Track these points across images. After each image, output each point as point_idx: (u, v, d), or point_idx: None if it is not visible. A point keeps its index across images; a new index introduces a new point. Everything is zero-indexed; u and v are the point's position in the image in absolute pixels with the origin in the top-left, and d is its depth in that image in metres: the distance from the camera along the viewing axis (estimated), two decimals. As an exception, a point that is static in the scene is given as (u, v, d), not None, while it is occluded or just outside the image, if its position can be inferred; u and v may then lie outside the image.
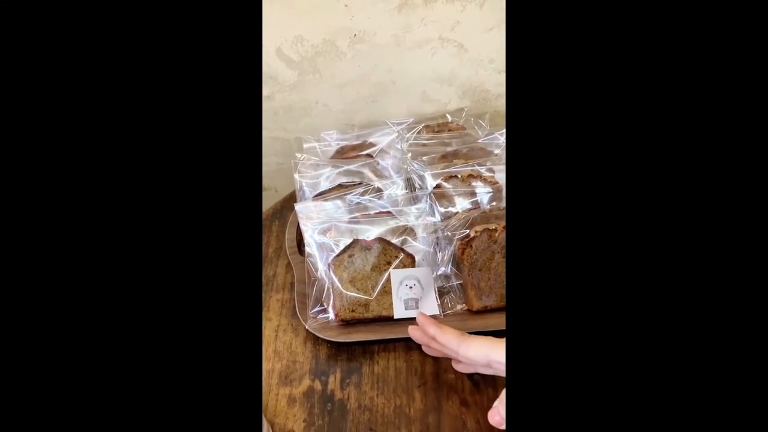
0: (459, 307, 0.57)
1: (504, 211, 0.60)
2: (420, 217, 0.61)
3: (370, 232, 0.59)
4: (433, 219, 0.62)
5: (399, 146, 0.75)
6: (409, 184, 0.69)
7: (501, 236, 0.57)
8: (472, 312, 0.56)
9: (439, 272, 0.58)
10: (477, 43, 0.75)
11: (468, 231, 0.58)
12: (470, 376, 0.52)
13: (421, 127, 0.78)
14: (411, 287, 0.55)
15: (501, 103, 0.84)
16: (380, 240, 0.57)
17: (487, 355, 0.44)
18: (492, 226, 0.57)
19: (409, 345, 0.55)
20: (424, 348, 0.52)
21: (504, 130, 0.76)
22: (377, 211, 0.60)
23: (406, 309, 0.54)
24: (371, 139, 0.77)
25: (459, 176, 0.66)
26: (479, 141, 0.75)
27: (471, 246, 0.57)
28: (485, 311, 0.56)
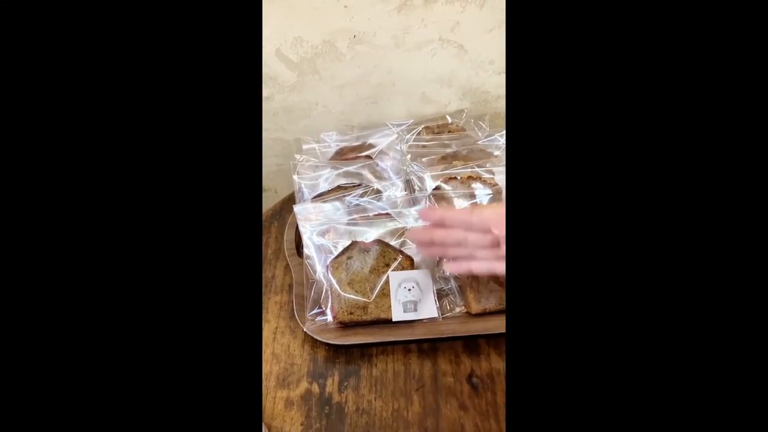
0: (458, 309, 0.56)
1: (503, 214, 0.60)
2: (419, 219, 0.61)
3: (369, 234, 0.59)
4: (432, 221, 0.62)
5: (398, 147, 0.75)
6: (409, 186, 0.68)
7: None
8: (471, 315, 0.56)
9: (439, 274, 0.58)
10: (477, 44, 0.75)
11: (467, 233, 0.57)
12: (469, 379, 0.51)
13: (420, 129, 0.77)
14: (410, 289, 0.55)
15: (501, 105, 0.83)
16: (379, 242, 0.57)
17: (502, 212, 0.43)
18: (491, 229, 0.57)
19: (408, 348, 0.55)
20: (422, 250, 0.50)
21: (504, 132, 0.76)
22: (376, 212, 0.60)
23: (404, 312, 0.54)
24: (371, 141, 0.76)
25: (458, 178, 0.66)
26: (479, 142, 0.75)
27: (470, 248, 0.56)
28: (484, 314, 0.56)
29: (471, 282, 0.56)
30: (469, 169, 0.67)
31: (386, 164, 0.71)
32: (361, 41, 0.73)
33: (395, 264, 0.56)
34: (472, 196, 0.65)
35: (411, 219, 0.61)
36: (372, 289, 0.55)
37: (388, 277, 0.55)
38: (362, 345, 0.54)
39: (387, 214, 0.60)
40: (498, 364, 0.52)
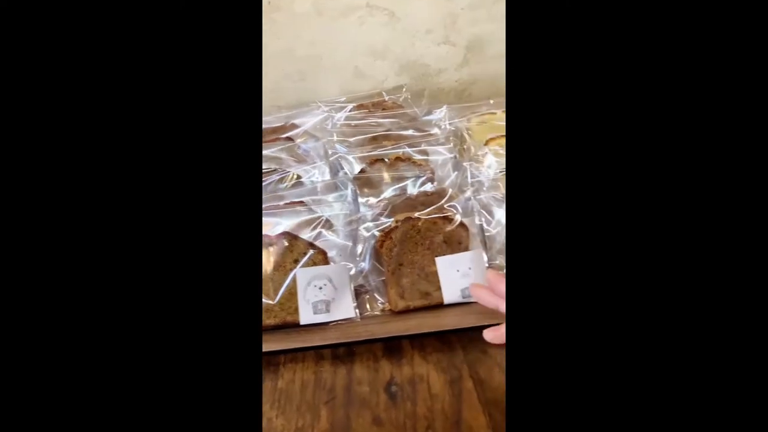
0: (380, 307, 0.50)
1: (432, 197, 0.53)
2: (339, 207, 0.54)
3: (279, 226, 0.51)
4: (353, 208, 0.55)
5: (328, 128, 0.67)
6: (333, 170, 0.61)
7: (425, 225, 0.50)
8: (394, 313, 0.49)
9: (359, 269, 0.51)
10: (410, 10, 0.68)
11: (389, 221, 0.51)
12: (387, 387, 0.45)
13: (351, 107, 0.70)
14: (321, 288, 0.48)
15: (443, 79, 0.76)
16: (286, 235, 0.50)
17: None
18: (415, 214, 0.50)
19: (321, 354, 0.48)
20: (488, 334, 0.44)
21: (444, 108, 0.69)
22: (287, 201, 0.53)
23: (315, 313, 0.47)
24: (296, 121, 0.69)
25: (386, 160, 0.59)
26: (418, 120, 0.69)
27: (391, 237, 0.50)
28: (408, 312, 0.49)
29: (393, 276, 0.50)
30: (399, 150, 0.60)
31: (309, 146, 0.64)
32: (278, 8, 0.65)
33: (305, 259, 0.49)
34: (401, 179, 0.58)
35: (330, 207, 0.54)
36: (276, 290, 0.48)
37: (295, 274, 0.48)
38: (267, 353, 0.47)
39: (300, 202, 0.53)
40: (421, 368, 0.46)
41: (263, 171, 0.59)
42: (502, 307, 0.43)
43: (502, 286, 0.41)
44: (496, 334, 0.43)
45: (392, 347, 0.48)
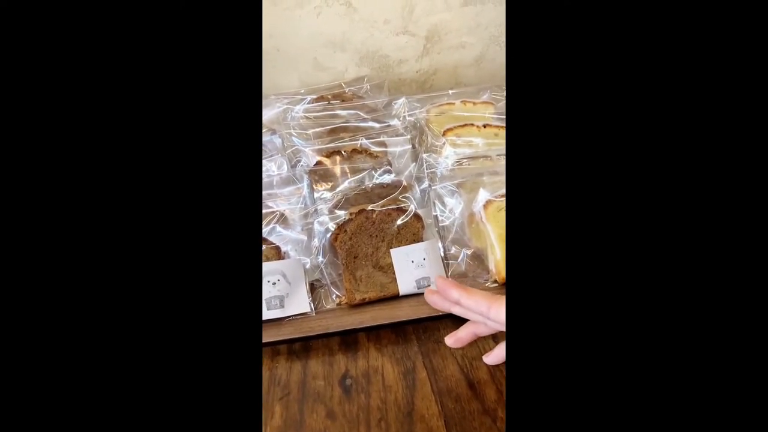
0: (334, 301, 0.50)
1: (387, 189, 0.53)
2: (294, 201, 0.53)
3: (232, 222, 0.50)
4: (309, 202, 0.54)
5: (287, 120, 0.66)
6: (291, 163, 0.60)
7: (379, 217, 0.50)
8: (351, 306, 0.49)
9: (316, 263, 0.51)
10: (367, 0, 0.67)
11: (342, 213, 0.50)
12: (342, 381, 0.45)
13: (309, 99, 0.69)
14: (274, 283, 0.47)
15: (403, 70, 0.76)
16: (237, 230, 0.49)
17: None
18: (369, 207, 0.50)
19: (276, 350, 0.48)
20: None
21: (402, 99, 0.68)
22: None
23: (268, 309, 0.47)
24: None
25: (343, 152, 0.59)
26: (378, 112, 0.68)
27: (345, 230, 0.49)
28: (364, 304, 0.49)
29: (349, 269, 0.49)
30: (356, 142, 0.59)
31: (266, 139, 0.63)
32: None
33: (258, 254, 0.48)
34: (357, 171, 0.57)
35: (284, 201, 0.53)
36: (228, 286, 0.47)
37: (247, 270, 0.47)
38: (220, 351, 0.47)
39: (254, 197, 0.52)
40: (376, 360, 0.46)
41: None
42: (453, 310, 0.43)
43: (451, 292, 0.42)
44: (455, 339, 0.44)
45: (348, 341, 0.48)
